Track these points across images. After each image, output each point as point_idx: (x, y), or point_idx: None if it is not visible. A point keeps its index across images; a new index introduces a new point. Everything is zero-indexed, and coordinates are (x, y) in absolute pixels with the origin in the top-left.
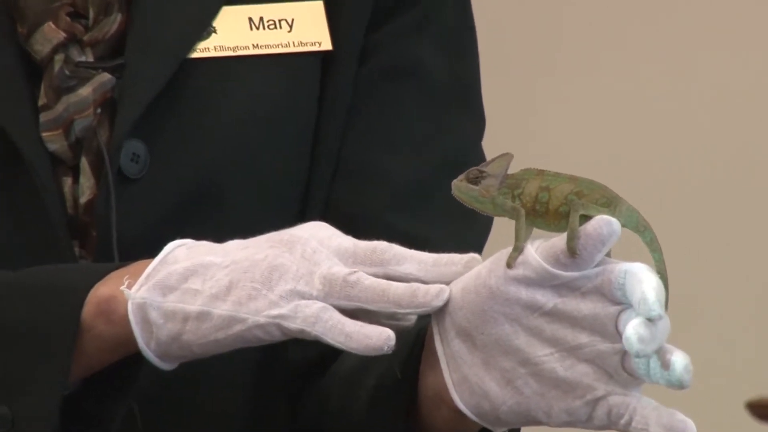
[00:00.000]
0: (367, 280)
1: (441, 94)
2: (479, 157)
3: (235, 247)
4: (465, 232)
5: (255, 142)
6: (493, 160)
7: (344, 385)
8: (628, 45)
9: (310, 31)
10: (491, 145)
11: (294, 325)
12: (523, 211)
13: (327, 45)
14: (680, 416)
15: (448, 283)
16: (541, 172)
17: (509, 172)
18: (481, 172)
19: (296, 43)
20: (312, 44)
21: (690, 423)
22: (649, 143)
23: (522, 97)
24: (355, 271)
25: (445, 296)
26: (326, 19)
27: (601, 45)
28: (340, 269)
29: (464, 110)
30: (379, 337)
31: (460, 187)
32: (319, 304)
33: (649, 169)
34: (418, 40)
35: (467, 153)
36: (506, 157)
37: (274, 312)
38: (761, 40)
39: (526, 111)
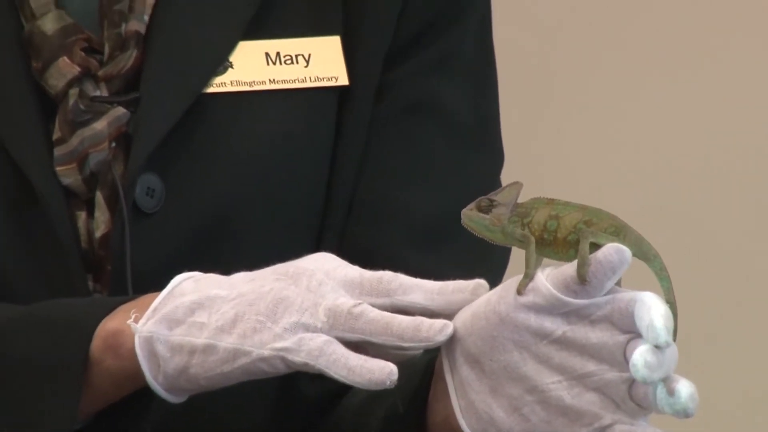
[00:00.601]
0: (371, 312)
1: (460, 130)
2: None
3: (241, 279)
4: (480, 271)
5: (270, 177)
6: (502, 189)
7: (355, 416)
8: (630, 71)
9: (326, 66)
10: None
11: (298, 358)
12: (533, 239)
13: (344, 80)
14: None
15: (455, 312)
16: (551, 201)
17: (519, 200)
18: (492, 201)
19: (313, 79)
20: (329, 79)
21: None
22: (653, 170)
23: (526, 122)
24: (359, 303)
25: (449, 331)
26: (343, 55)
27: (603, 70)
28: (345, 301)
29: (483, 147)
30: (382, 372)
31: (470, 216)
32: (324, 338)
33: (654, 195)
34: (437, 76)
35: (486, 190)
36: (516, 186)
37: (278, 345)
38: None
39: (531, 137)
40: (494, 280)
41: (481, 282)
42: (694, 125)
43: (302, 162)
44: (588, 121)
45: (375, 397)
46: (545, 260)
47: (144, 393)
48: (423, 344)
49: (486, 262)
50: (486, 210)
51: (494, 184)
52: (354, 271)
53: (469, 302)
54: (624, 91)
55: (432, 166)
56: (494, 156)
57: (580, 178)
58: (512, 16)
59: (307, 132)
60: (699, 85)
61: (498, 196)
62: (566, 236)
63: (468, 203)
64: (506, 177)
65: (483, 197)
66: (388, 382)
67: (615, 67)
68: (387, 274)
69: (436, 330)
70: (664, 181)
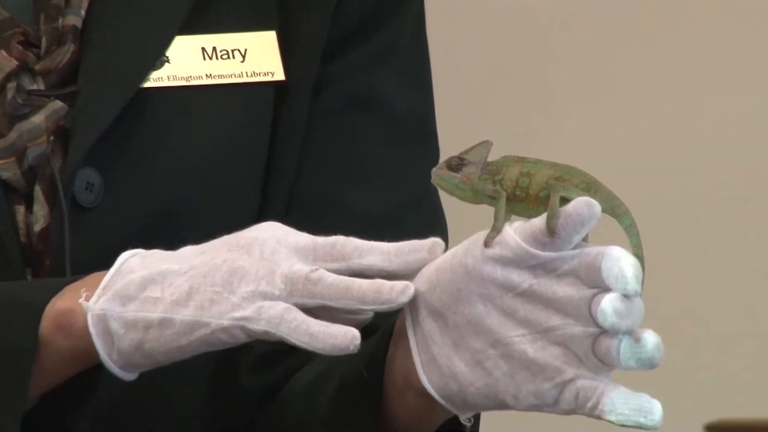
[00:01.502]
0: (329, 277)
1: (398, 125)
2: (434, 192)
3: (191, 253)
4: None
5: (209, 171)
6: (472, 147)
7: (301, 399)
8: (620, 75)
9: (262, 61)
10: None
11: (258, 326)
12: (504, 193)
13: (280, 75)
14: (647, 398)
15: (413, 272)
16: (521, 159)
17: (489, 159)
18: (462, 159)
19: (249, 74)
20: (265, 74)
21: (657, 404)
22: (639, 174)
23: (514, 125)
24: (316, 269)
25: (411, 292)
26: (279, 50)
27: (590, 76)
28: (301, 267)
29: (421, 141)
30: (345, 337)
31: (441, 174)
32: (283, 305)
33: (640, 193)
34: (375, 71)
35: (425, 185)
36: (486, 144)
37: (238, 314)
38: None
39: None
40: None
41: (437, 240)
42: (681, 123)
43: (240, 157)
44: (578, 119)
45: (322, 376)
46: (513, 216)
47: (84, 380)
48: (385, 306)
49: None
50: (456, 168)
51: (430, 181)
52: (305, 238)
53: (427, 261)
54: (612, 90)
55: (371, 162)
56: (432, 150)
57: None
58: (504, 16)
59: (245, 127)
60: (683, 84)
61: (468, 155)
62: (538, 192)
63: (411, 200)
64: None
65: (453, 156)
66: (352, 347)
67: (604, 67)
68: (340, 239)
69: (398, 291)
70: (648, 179)
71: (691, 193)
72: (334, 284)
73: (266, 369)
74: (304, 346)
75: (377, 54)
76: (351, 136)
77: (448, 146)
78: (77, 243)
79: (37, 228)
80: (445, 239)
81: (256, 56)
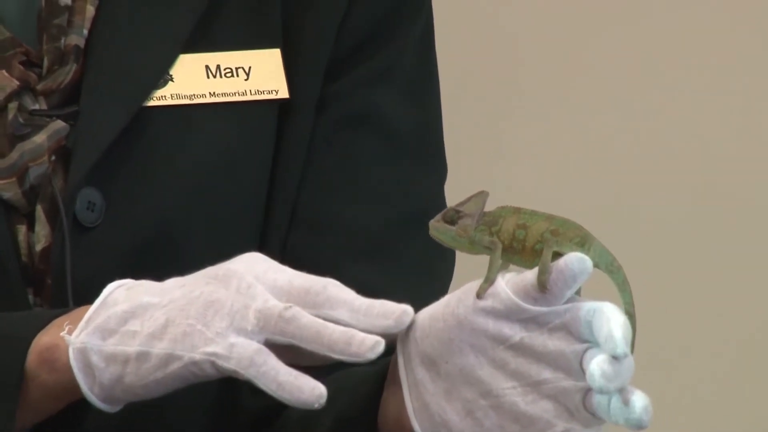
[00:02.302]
0: (303, 318)
1: (403, 143)
2: (441, 207)
3: (172, 285)
4: (422, 287)
5: (211, 190)
6: (468, 199)
7: (298, 425)
8: (601, 80)
9: (267, 79)
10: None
11: (228, 365)
12: (500, 245)
13: (284, 93)
14: None
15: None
16: (517, 210)
17: (485, 209)
18: (458, 212)
19: (253, 92)
20: (269, 92)
21: None
22: (622, 182)
23: (494, 133)
24: (290, 306)
25: (380, 349)
26: (283, 68)
27: (572, 80)
28: (275, 304)
29: (426, 159)
30: (312, 393)
31: (437, 227)
32: (255, 346)
33: (622, 207)
34: (379, 89)
35: (429, 203)
36: (482, 195)
37: (209, 349)
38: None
39: (499, 148)
40: (438, 293)
41: (407, 309)
42: (669, 127)
43: (243, 175)
44: (564, 126)
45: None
46: (509, 266)
47: (79, 406)
48: (352, 359)
49: (429, 275)
50: (452, 221)
51: (438, 197)
52: (283, 278)
53: (392, 330)
54: (601, 95)
55: (373, 179)
56: (437, 168)
57: (554, 185)
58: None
59: (248, 145)
60: (672, 86)
61: (464, 207)
62: (533, 245)
63: (411, 218)
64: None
65: (449, 208)
66: (317, 405)
67: (592, 71)
68: (316, 285)
69: (367, 347)
70: (634, 185)
71: (678, 195)
72: (306, 326)
73: None
74: (270, 393)
75: (380, 72)
76: (352, 154)
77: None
78: (78, 262)
79: (38, 248)
80: (450, 258)
81: (260, 74)
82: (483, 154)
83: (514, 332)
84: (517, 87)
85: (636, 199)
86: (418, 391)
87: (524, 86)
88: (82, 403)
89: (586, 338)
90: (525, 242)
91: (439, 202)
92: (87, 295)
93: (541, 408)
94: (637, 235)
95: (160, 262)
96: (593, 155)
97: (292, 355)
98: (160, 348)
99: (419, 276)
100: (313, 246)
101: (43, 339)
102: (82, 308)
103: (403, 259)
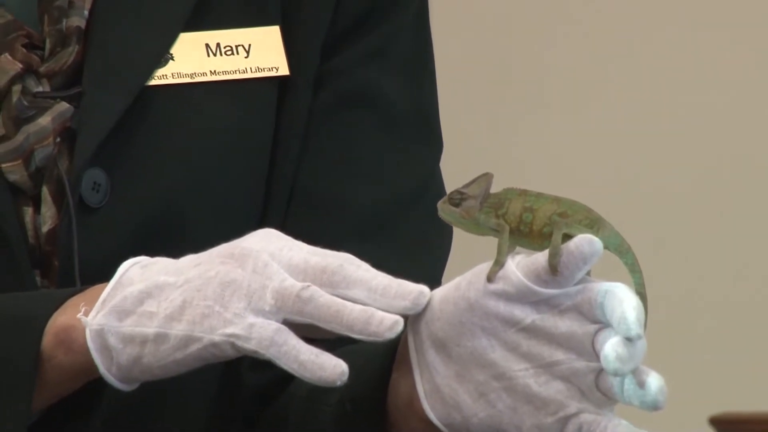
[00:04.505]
0: (321, 297)
1: (400, 121)
2: (438, 184)
3: (188, 264)
4: (420, 264)
5: (214, 168)
6: (473, 180)
7: (305, 405)
8: (613, 73)
9: (267, 56)
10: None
11: (248, 345)
12: (507, 227)
13: (284, 70)
14: None
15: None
16: (523, 192)
17: (492, 190)
18: (462, 194)
19: (253, 69)
20: (269, 70)
21: None
22: (630, 171)
23: (506, 124)
24: (308, 286)
25: (399, 329)
26: (283, 45)
27: (585, 75)
28: (292, 283)
29: (423, 137)
30: (333, 371)
31: (443, 209)
32: (275, 325)
33: (631, 197)
34: (375, 66)
35: (426, 181)
36: (486, 177)
37: (229, 330)
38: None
39: (511, 139)
40: (436, 269)
41: (424, 290)
42: (674, 124)
43: (245, 153)
44: (573, 119)
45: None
46: (516, 247)
47: (94, 386)
48: (371, 338)
49: (427, 251)
50: (456, 203)
51: (434, 174)
52: (299, 256)
53: (409, 312)
54: (609, 90)
55: (370, 157)
56: (433, 145)
57: (563, 173)
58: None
59: (249, 123)
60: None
61: (468, 189)
62: (542, 228)
63: (409, 195)
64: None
65: (455, 190)
66: (339, 382)
67: (598, 67)
68: (332, 264)
69: (386, 327)
70: (641, 178)
71: (687, 187)
72: (325, 306)
73: (269, 365)
74: (292, 372)
75: (376, 49)
76: (349, 131)
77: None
78: (85, 243)
79: (44, 229)
80: (447, 233)
81: (260, 52)
82: (494, 143)
83: (526, 315)
84: (523, 78)
85: (641, 183)
86: (429, 374)
87: (533, 78)
88: (98, 382)
89: (598, 319)
90: (532, 225)
91: (435, 179)
92: (94, 275)
93: (554, 389)
94: (645, 218)
95: (166, 241)
96: (601, 142)
97: (305, 329)
98: (178, 329)
99: (417, 253)
100: (311, 223)
101: (59, 319)
102: (97, 287)
103: (401, 236)
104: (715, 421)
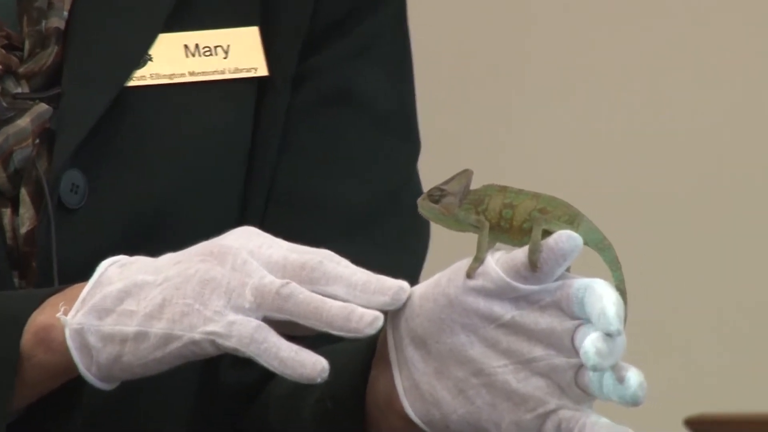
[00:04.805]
0: (301, 294)
1: (379, 119)
2: (416, 182)
3: (167, 262)
4: (398, 262)
5: (192, 170)
6: (453, 177)
7: (284, 402)
8: (599, 66)
9: (245, 57)
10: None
11: (228, 343)
12: (487, 224)
13: (263, 71)
14: (628, 431)
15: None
16: (503, 189)
17: (471, 187)
18: (441, 190)
19: (232, 70)
20: (248, 70)
21: None
22: (616, 165)
23: (494, 117)
24: (287, 283)
25: (379, 324)
26: (262, 45)
27: (570, 65)
28: (272, 280)
29: (402, 136)
30: (314, 368)
31: (423, 206)
32: (255, 323)
33: (616, 191)
34: (355, 65)
35: (405, 179)
36: (465, 174)
37: (209, 328)
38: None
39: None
40: (414, 267)
41: (404, 285)
42: (656, 120)
43: (224, 153)
44: (555, 115)
45: (304, 384)
46: (496, 244)
47: (74, 385)
48: (351, 335)
49: (405, 249)
50: (436, 200)
51: (412, 174)
52: (278, 253)
53: (388, 307)
54: (591, 87)
55: (349, 155)
56: (412, 144)
57: (545, 170)
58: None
59: (228, 123)
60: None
61: (448, 186)
62: (521, 224)
63: (386, 192)
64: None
65: (434, 187)
66: (319, 379)
67: (584, 64)
68: (312, 260)
69: (366, 323)
70: (622, 174)
71: (668, 185)
72: (304, 303)
73: (248, 364)
74: (272, 369)
75: (356, 48)
76: (329, 130)
77: (432, 141)
78: (63, 244)
79: (23, 230)
80: (425, 231)
81: (239, 52)
82: (480, 145)
83: (505, 311)
84: (512, 79)
85: (621, 179)
86: (408, 371)
87: (522, 78)
88: (78, 381)
89: (578, 315)
90: (512, 221)
91: (413, 177)
92: (72, 276)
93: (533, 385)
94: (625, 215)
95: (144, 241)
96: (580, 139)
97: (285, 326)
98: (158, 328)
99: (395, 251)
100: (290, 221)
101: (38, 319)
102: (77, 286)
103: (379, 235)
104: (690, 423)
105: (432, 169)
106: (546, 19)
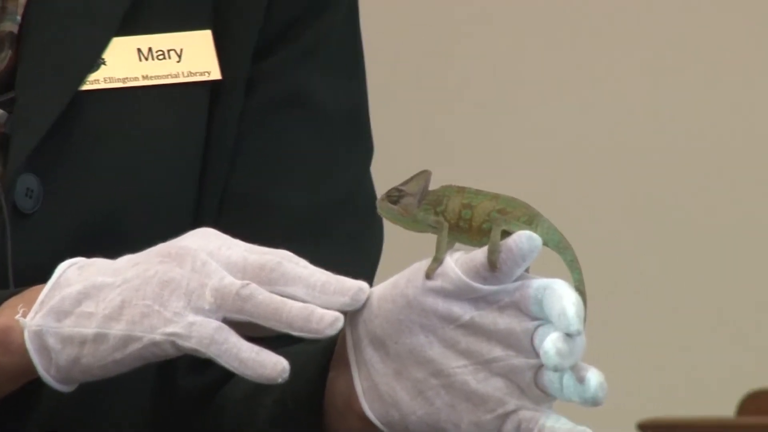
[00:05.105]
0: (260, 295)
1: (331, 123)
2: (369, 184)
3: (126, 264)
4: (352, 266)
5: (146, 174)
6: (411, 178)
7: (240, 406)
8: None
9: (198, 60)
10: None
11: (188, 344)
12: (446, 224)
13: (216, 74)
14: (587, 431)
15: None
16: (461, 189)
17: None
18: (400, 191)
19: (185, 74)
20: (201, 74)
21: None
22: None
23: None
24: (247, 284)
25: (339, 325)
26: (215, 49)
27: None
28: (231, 281)
29: (355, 139)
30: (274, 369)
31: (382, 206)
32: (215, 324)
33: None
34: (306, 69)
35: (358, 183)
36: (424, 174)
37: (169, 330)
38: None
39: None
40: (370, 268)
41: (363, 286)
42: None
43: (178, 156)
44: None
45: (262, 385)
46: (455, 244)
47: (31, 387)
48: (312, 335)
49: (359, 252)
50: (395, 200)
51: (365, 176)
52: (237, 254)
53: (348, 308)
54: (561, 86)
55: (301, 159)
56: (364, 146)
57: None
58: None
59: (182, 127)
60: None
61: (406, 186)
62: (480, 224)
63: (341, 198)
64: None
65: (393, 188)
66: (280, 380)
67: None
68: (271, 261)
69: (327, 323)
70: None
71: (625, 184)
72: (264, 304)
73: (205, 367)
74: (233, 370)
75: (307, 51)
76: (281, 134)
77: (387, 143)
78: (18, 249)
79: None
80: (379, 234)
81: (192, 56)
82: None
83: (464, 311)
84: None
85: (578, 179)
86: (367, 372)
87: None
88: (36, 383)
89: (537, 316)
90: (472, 221)
91: (366, 179)
92: (28, 280)
93: (493, 386)
94: (584, 215)
95: (100, 245)
96: (536, 138)
97: (245, 327)
98: (117, 329)
99: (349, 253)
100: (243, 226)
101: None
102: (35, 288)
103: (333, 238)
104: (643, 427)
105: (386, 170)
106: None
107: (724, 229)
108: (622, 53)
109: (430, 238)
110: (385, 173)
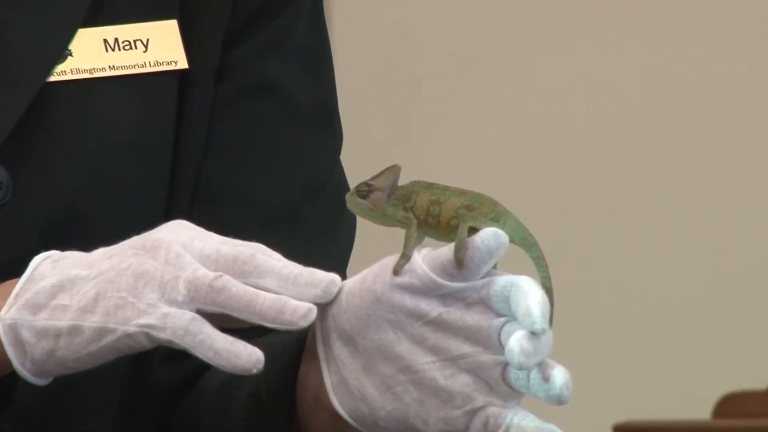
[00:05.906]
0: (234, 287)
1: (300, 112)
2: (339, 175)
3: (100, 256)
4: (327, 252)
5: (116, 165)
6: (381, 172)
7: (215, 399)
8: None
9: (165, 50)
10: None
11: (163, 335)
12: (414, 220)
13: (183, 64)
14: (555, 428)
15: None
16: (429, 186)
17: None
18: (369, 186)
19: (152, 63)
20: (168, 63)
21: None
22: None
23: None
24: (220, 276)
25: (312, 317)
26: (182, 38)
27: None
28: (205, 273)
29: (324, 128)
30: (249, 359)
31: (351, 201)
32: (189, 315)
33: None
34: (273, 58)
35: (327, 173)
36: (393, 169)
37: (143, 321)
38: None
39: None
40: (340, 260)
41: (335, 278)
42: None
43: (147, 147)
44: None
45: (236, 378)
46: (425, 240)
47: (4, 383)
48: (285, 327)
49: (330, 243)
50: (364, 195)
51: (336, 165)
52: (210, 246)
53: (320, 300)
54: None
55: (270, 148)
56: (333, 136)
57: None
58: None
59: (150, 117)
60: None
61: (376, 181)
62: (448, 221)
63: (312, 187)
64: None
65: (362, 182)
66: (254, 370)
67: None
68: (244, 253)
69: (300, 315)
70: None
71: (593, 182)
72: (237, 296)
73: (179, 359)
74: (207, 360)
75: (274, 41)
76: (250, 124)
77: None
78: None
79: None
80: (351, 224)
81: (158, 46)
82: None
83: (432, 308)
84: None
85: (546, 176)
86: (336, 367)
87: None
88: (11, 377)
89: (504, 312)
90: (440, 217)
91: (336, 169)
92: (1, 273)
93: (460, 382)
94: (552, 213)
95: (71, 237)
96: (506, 136)
97: (218, 319)
98: (92, 321)
99: (320, 244)
100: (214, 216)
101: None
102: (9, 282)
103: (304, 228)
104: (619, 429)
105: (356, 165)
106: (460, 18)
107: (701, 231)
108: (612, 50)
109: (401, 232)
110: (355, 168)
